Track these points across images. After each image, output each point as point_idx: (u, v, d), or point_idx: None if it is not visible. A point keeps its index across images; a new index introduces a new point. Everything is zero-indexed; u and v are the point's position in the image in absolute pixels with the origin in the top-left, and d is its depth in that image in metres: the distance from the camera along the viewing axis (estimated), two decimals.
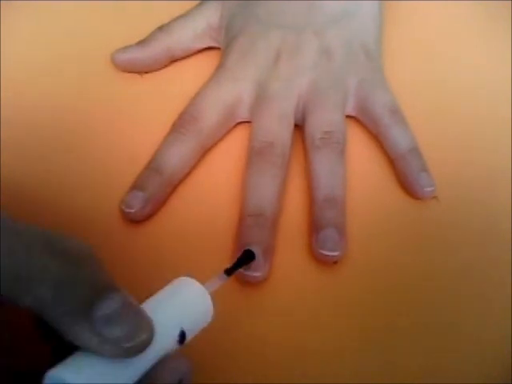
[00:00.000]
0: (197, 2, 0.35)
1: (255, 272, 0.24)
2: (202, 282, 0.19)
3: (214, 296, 0.19)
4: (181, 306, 0.18)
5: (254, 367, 0.23)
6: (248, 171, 0.28)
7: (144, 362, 0.17)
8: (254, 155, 0.28)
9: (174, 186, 0.28)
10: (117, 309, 0.16)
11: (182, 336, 0.18)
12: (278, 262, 0.26)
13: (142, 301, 0.18)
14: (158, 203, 0.27)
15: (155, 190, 0.27)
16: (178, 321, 0.18)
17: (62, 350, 0.17)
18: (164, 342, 0.17)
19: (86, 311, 0.16)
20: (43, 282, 0.16)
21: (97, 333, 0.16)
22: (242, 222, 0.26)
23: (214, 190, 0.28)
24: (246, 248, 0.24)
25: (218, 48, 0.34)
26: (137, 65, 0.33)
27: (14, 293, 0.16)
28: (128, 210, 0.26)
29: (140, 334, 0.16)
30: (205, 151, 0.29)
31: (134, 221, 0.27)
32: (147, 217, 0.27)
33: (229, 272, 0.21)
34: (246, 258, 0.23)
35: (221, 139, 0.30)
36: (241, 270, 0.23)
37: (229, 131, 0.31)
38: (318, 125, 0.29)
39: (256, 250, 0.24)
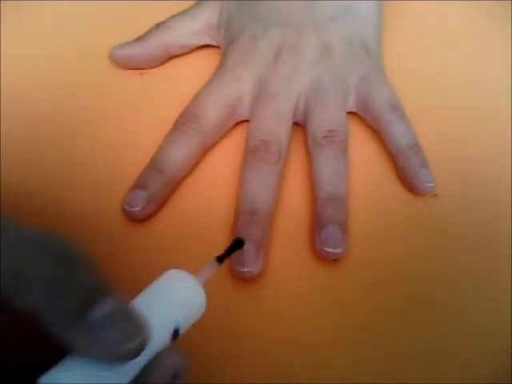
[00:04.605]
0: (195, 2, 0.35)
1: (248, 267, 0.24)
2: (194, 272, 0.19)
3: (212, 289, 0.19)
4: (174, 301, 0.18)
5: (254, 364, 0.23)
6: (243, 169, 0.28)
7: (139, 360, 0.16)
8: (249, 153, 0.28)
9: (175, 185, 0.28)
10: (110, 313, 0.16)
11: (176, 332, 0.18)
12: (278, 260, 0.26)
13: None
14: (160, 202, 0.27)
15: (157, 188, 0.27)
16: (171, 317, 0.18)
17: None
18: (158, 339, 0.17)
19: (79, 314, 0.15)
20: (38, 283, 0.16)
21: (90, 336, 0.15)
22: (236, 219, 0.26)
23: (216, 188, 0.28)
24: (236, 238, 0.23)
25: (216, 46, 0.34)
26: (134, 61, 0.33)
27: (10, 293, 0.16)
28: (130, 209, 0.26)
29: (135, 338, 0.16)
30: (206, 150, 0.29)
31: (136, 219, 0.27)
32: (149, 215, 0.27)
33: (220, 259, 0.20)
34: (236, 246, 0.22)
35: (222, 138, 0.30)
36: (235, 266, 0.24)
37: (229, 130, 0.31)
38: (320, 124, 0.29)
39: (249, 246, 0.24)
